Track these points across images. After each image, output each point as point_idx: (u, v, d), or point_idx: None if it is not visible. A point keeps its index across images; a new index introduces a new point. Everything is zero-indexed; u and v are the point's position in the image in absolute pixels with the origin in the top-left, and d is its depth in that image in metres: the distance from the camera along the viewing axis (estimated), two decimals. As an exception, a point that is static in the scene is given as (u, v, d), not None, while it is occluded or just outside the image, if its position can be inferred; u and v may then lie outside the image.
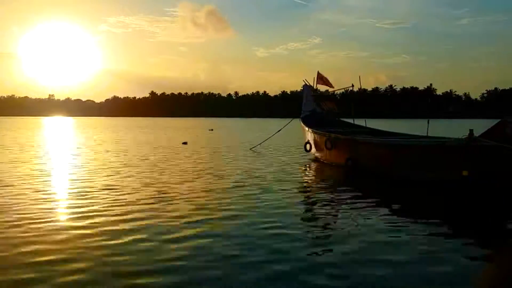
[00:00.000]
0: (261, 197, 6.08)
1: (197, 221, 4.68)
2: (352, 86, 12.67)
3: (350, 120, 12.54)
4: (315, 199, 6.21)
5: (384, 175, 7.85)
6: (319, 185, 7.57)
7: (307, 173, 9.20)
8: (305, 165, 10.19)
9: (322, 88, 13.27)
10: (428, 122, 9.62)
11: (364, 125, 12.22)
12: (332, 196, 6.40)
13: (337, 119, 13.04)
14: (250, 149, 14.45)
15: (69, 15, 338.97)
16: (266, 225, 4.54)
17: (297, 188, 7.05)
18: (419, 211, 5.49)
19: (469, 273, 3.32)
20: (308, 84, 13.29)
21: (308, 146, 11.44)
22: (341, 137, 9.67)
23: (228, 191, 6.60)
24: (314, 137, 11.12)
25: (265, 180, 7.72)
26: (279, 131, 15.68)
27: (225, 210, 5.26)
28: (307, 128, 11.79)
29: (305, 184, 7.74)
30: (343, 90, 14.07)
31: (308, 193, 6.79)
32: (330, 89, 13.33)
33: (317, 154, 11.16)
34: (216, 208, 5.38)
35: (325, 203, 5.86)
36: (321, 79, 12.98)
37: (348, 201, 5.94)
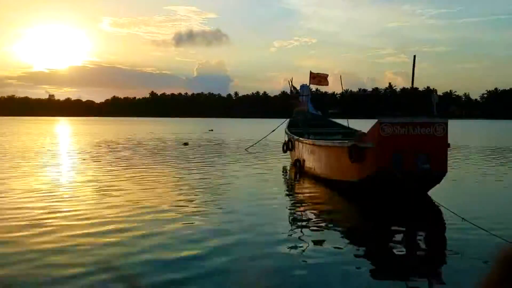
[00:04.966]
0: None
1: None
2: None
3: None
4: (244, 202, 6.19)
5: (312, 176, 8.33)
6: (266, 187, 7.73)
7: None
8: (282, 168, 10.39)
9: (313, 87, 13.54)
10: None
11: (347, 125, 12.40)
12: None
13: (328, 120, 13.24)
14: (246, 149, 14.78)
15: (69, 14, 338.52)
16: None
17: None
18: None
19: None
20: (292, 85, 13.47)
21: (284, 147, 11.75)
22: (292, 139, 10.31)
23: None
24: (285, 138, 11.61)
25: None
26: (273, 131, 15.64)
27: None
28: (285, 128, 12.39)
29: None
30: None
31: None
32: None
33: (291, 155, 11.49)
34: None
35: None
36: (313, 78, 12.97)
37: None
